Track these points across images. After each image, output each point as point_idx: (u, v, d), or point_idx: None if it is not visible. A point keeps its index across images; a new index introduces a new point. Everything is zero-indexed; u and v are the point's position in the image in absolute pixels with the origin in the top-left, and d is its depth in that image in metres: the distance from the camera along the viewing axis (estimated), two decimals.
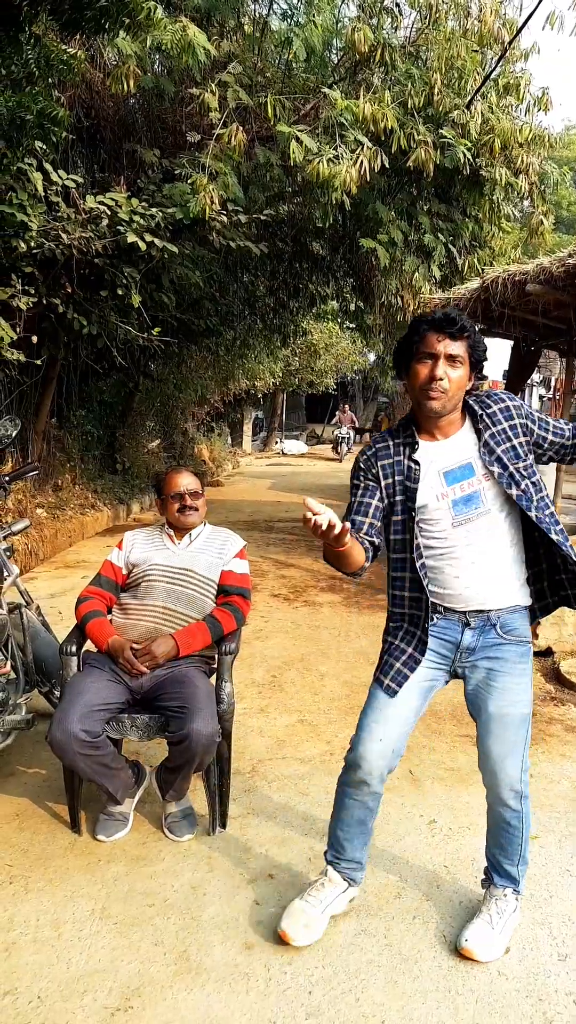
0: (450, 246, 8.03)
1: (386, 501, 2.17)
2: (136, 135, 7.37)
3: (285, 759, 3.42)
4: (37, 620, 3.49)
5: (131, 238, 6.05)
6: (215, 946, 2.20)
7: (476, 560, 2.12)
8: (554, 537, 2.12)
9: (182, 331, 9.50)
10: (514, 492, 2.09)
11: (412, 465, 2.12)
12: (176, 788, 2.71)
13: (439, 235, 7.84)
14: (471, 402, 2.16)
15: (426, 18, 7.17)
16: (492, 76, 7.07)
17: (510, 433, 2.13)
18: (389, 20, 7.00)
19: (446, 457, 2.12)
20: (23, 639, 3.19)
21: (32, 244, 5.88)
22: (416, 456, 2.12)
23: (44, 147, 5.65)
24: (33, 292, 6.26)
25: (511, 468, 2.10)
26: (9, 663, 3.04)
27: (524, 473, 2.12)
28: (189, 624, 2.86)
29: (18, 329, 6.09)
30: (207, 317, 9.84)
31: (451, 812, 3.00)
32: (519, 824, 2.26)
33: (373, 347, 18.62)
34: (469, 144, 6.89)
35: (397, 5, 7.00)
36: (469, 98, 6.99)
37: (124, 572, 3.03)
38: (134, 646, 2.75)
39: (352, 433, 23.54)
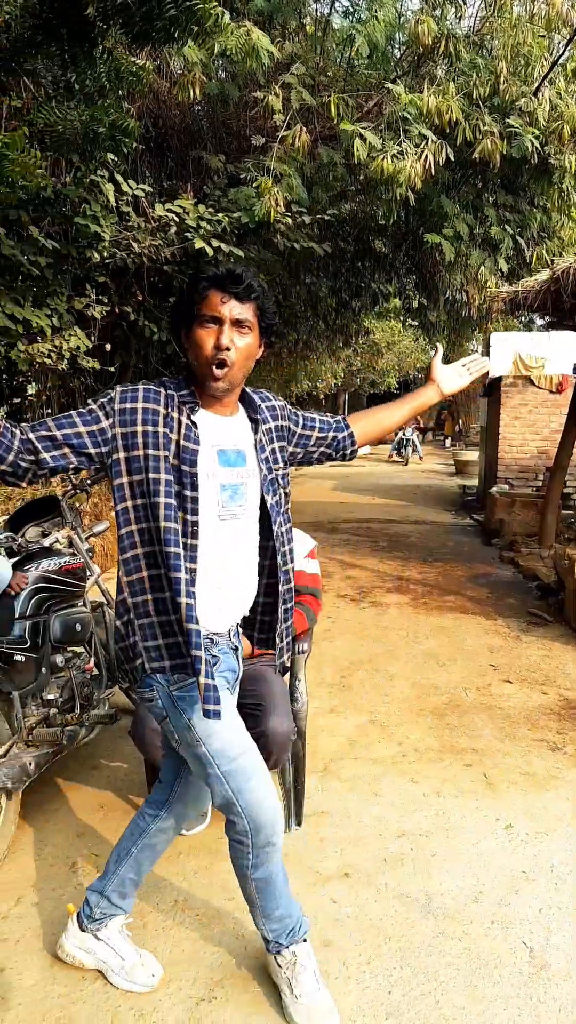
0: (517, 238, 7.88)
1: (121, 454, 1.73)
2: (202, 141, 7.48)
3: (357, 759, 3.43)
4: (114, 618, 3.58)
5: (198, 244, 6.15)
6: None
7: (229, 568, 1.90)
8: (280, 566, 1.97)
9: None
10: (270, 499, 1.91)
11: (191, 424, 1.76)
12: None
13: (506, 227, 7.71)
14: (247, 389, 1.92)
15: (491, 6, 7.07)
16: (560, 60, 6.91)
17: (275, 435, 1.95)
18: (453, 10, 6.93)
19: (223, 435, 1.83)
20: (105, 637, 3.28)
21: (105, 254, 6.03)
22: (195, 418, 1.79)
23: (115, 159, 5.78)
24: (106, 301, 6.41)
25: (274, 472, 1.93)
26: (93, 660, 3.14)
27: (281, 482, 1.97)
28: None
29: (93, 338, 6.25)
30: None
31: (528, 817, 2.96)
32: None
33: (436, 343, 18.46)
34: (537, 132, 6.75)
35: None
36: (536, 84, 6.85)
37: None
38: None
39: (418, 434, 22.32)
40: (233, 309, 1.73)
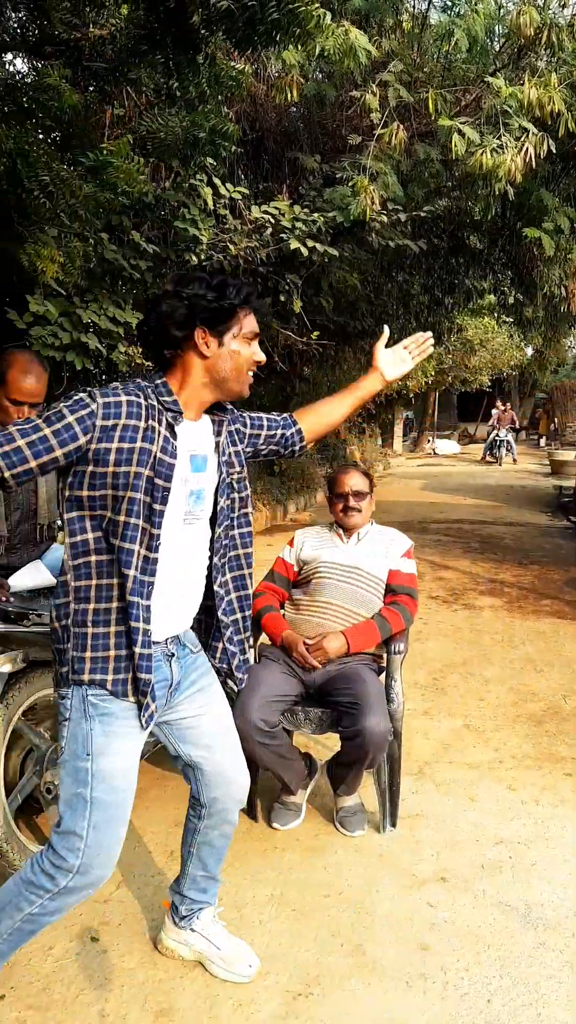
0: None
1: (96, 468, 1.65)
2: (297, 142, 7.51)
3: (452, 763, 3.39)
4: None
5: (294, 244, 6.18)
6: (390, 944, 2.22)
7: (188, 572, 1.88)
8: (224, 570, 1.95)
9: (338, 333, 9.59)
10: (223, 501, 1.89)
11: (170, 436, 1.72)
12: (348, 783, 2.75)
13: None
14: None
15: None
16: None
17: (235, 436, 1.94)
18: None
19: (195, 440, 1.82)
20: None
21: (202, 256, 6.14)
22: (178, 428, 1.75)
23: (214, 163, 5.88)
24: None
25: (231, 476, 1.91)
26: None
27: (236, 486, 1.93)
28: (358, 622, 2.89)
29: None
30: (362, 318, 9.87)
31: None
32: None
33: (532, 341, 17.98)
34: None
35: None
36: None
37: (295, 569, 3.11)
38: (307, 641, 2.82)
39: (512, 435, 20.99)
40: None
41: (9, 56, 6.12)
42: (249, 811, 2.88)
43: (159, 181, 6.51)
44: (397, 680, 2.82)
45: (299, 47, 4.25)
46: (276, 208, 6.33)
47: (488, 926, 2.31)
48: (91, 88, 6.45)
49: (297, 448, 2.09)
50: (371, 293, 9.38)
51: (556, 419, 25.38)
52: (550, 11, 6.59)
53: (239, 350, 1.76)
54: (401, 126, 6.08)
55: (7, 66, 6.41)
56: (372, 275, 8.80)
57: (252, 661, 2.78)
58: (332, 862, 2.61)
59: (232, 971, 2.09)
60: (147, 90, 6.06)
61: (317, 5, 3.68)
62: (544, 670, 4.60)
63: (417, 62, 7.05)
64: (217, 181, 6.26)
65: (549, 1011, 1.99)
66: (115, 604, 1.69)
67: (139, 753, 1.80)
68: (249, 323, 1.78)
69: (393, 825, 2.81)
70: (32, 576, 2.72)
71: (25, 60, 6.36)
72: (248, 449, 2.01)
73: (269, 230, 6.36)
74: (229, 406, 1.94)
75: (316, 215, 6.32)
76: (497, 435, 20.24)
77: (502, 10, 7.20)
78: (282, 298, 6.92)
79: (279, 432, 2.05)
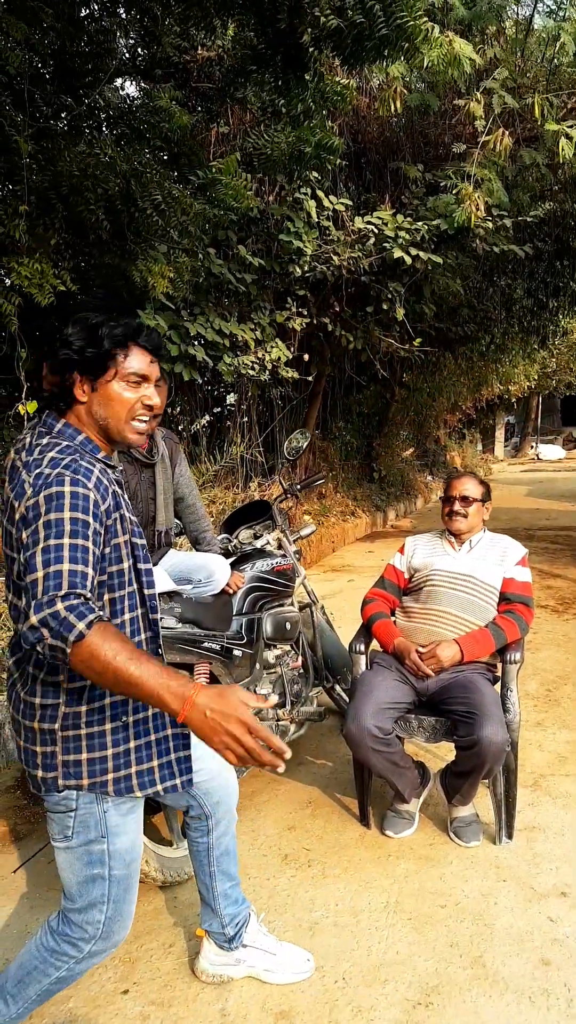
0: None
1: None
2: (399, 152, 7.54)
3: (569, 776, 3.31)
4: (323, 619, 3.69)
5: (397, 253, 6.21)
6: (511, 957, 2.19)
7: None
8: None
9: (439, 340, 9.52)
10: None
11: (119, 491, 1.62)
12: (463, 793, 2.73)
13: None
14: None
15: None
16: None
17: None
18: None
19: None
20: (312, 636, 3.40)
21: (306, 268, 6.24)
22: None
23: (317, 176, 5.97)
24: (305, 313, 6.62)
25: None
26: (300, 659, 3.26)
27: None
28: (471, 630, 2.87)
29: (292, 349, 6.48)
30: (464, 324, 9.78)
31: None
32: None
33: None
34: None
35: None
36: None
37: (406, 576, 3.12)
38: (420, 649, 2.83)
39: None
40: (155, 372, 1.65)
41: (119, 81, 6.41)
42: (362, 818, 2.91)
43: (263, 195, 6.66)
44: (513, 690, 2.79)
45: (407, 60, 4.27)
46: (379, 218, 6.37)
47: None
48: (199, 108, 6.68)
49: None
50: (473, 298, 9.28)
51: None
52: None
53: (119, 394, 1.59)
54: (506, 132, 6.01)
55: (120, 91, 6.72)
56: (474, 280, 8.71)
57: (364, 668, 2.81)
58: (448, 872, 2.60)
59: (297, 971, 2.11)
60: (253, 108, 6.22)
61: (425, 19, 3.70)
62: None
63: (521, 67, 6.96)
64: (320, 194, 6.35)
65: None
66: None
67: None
68: (133, 363, 1.59)
69: (510, 837, 2.78)
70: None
71: (136, 84, 6.64)
72: None
73: (372, 240, 6.41)
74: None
75: (419, 223, 6.33)
76: None
77: None
78: (385, 306, 6.95)
79: None
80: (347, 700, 3.38)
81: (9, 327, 4.43)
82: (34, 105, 4.57)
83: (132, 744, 1.62)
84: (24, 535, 1.44)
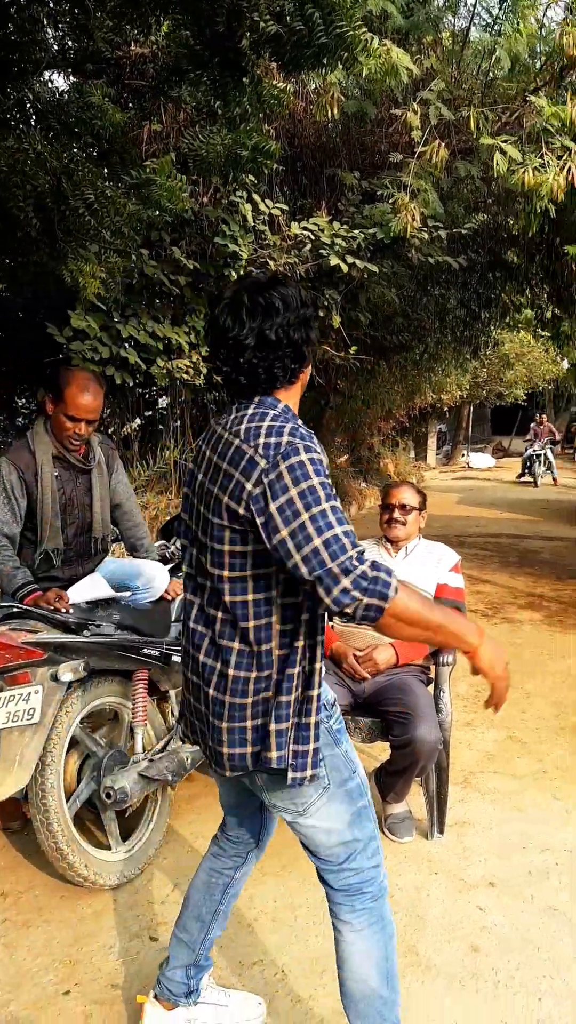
0: None
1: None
2: (336, 159, 7.61)
3: (497, 773, 3.41)
4: None
5: (333, 261, 6.27)
6: (443, 944, 2.25)
7: None
8: None
9: (374, 348, 9.65)
10: None
11: None
12: (397, 791, 2.79)
13: None
14: None
15: None
16: None
17: None
18: None
19: None
20: None
21: (241, 272, 6.24)
22: None
23: (254, 179, 5.99)
24: None
25: None
26: None
27: None
28: None
29: None
30: (398, 333, 9.93)
31: None
32: None
33: (568, 355, 17.86)
34: None
35: None
36: None
37: None
38: (356, 653, 2.87)
39: (551, 448, 18.00)
40: None
41: (47, 74, 6.30)
42: None
43: (197, 197, 6.64)
44: (445, 691, 2.86)
45: (346, 69, 4.34)
46: (315, 224, 6.43)
47: (537, 930, 2.33)
48: (131, 105, 6.61)
49: None
50: (408, 308, 9.43)
51: None
52: None
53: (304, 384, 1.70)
54: (442, 144, 6.15)
55: (48, 83, 6.60)
56: (409, 290, 8.86)
57: None
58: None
59: (251, 1016, 1.98)
60: (188, 107, 6.20)
61: (364, 29, 3.76)
62: None
63: (457, 79, 7.13)
64: (256, 197, 6.37)
65: None
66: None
67: None
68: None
69: (441, 832, 2.84)
70: (91, 588, 2.81)
71: (65, 77, 6.53)
72: None
73: (308, 246, 6.46)
74: None
75: (356, 231, 6.41)
76: (534, 449, 17.51)
77: (544, 29, 7.25)
78: (321, 313, 7.01)
79: None
80: None
81: None
82: None
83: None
84: (272, 507, 1.42)
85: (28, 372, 6.15)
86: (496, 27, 7.17)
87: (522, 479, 17.90)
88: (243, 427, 1.52)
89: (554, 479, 17.43)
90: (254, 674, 1.54)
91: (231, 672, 1.54)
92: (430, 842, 2.81)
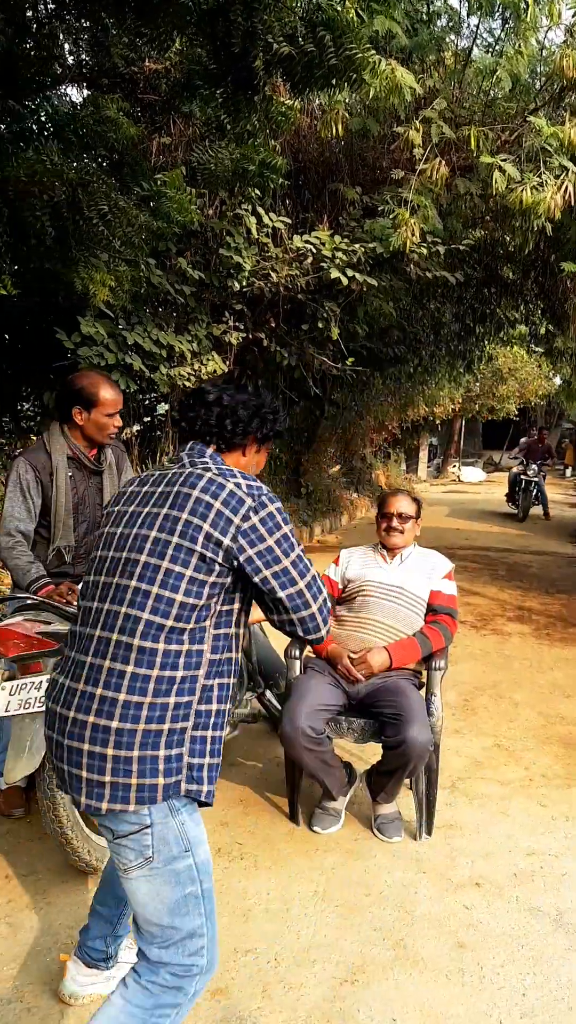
0: None
1: None
2: (338, 174, 7.74)
3: (484, 779, 3.50)
4: (256, 627, 3.79)
5: (334, 274, 6.39)
6: (430, 940, 2.34)
7: None
8: None
9: (370, 359, 9.77)
10: None
11: None
12: (387, 791, 2.88)
13: None
14: None
15: None
16: None
17: None
18: None
19: None
20: (247, 642, 3.49)
21: (244, 283, 6.36)
22: None
23: (259, 193, 6.11)
24: (242, 327, 6.74)
25: None
26: None
27: None
28: (400, 638, 3.03)
29: (228, 362, 6.59)
30: (394, 345, 10.07)
31: None
32: None
33: (560, 371, 18.07)
34: None
35: None
36: None
37: (340, 586, 3.26)
38: (351, 655, 2.96)
39: (543, 474, 14.29)
40: None
41: (62, 87, 6.42)
42: (291, 815, 3.02)
43: (204, 209, 6.75)
44: (437, 695, 2.95)
45: (354, 90, 4.46)
46: (317, 238, 6.55)
47: (521, 928, 2.42)
48: (142, 119, 6.73)
49: None
50: (404, 321, 9.56)
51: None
52: None
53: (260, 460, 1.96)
54: (443, 161, 6.28)
55: (64, 97, 6.72)
56: (406, 303, 8.98)
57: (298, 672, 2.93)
58: (372, 865, 2.73)
59: None
60: (198, 122, 6.32)
61: (373, 52, 3.89)
62: (572, 695, 4.69)
63: (459, 98, 7.27)
64: (261, 210, 6.49)
65: None
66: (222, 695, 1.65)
67: None
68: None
69: (429, 833, 2.93)
70: None
71: (79, 90, 6.65)
72: None
73: (309, 259, 6.58)
74: None
75: (356, 245, 6.54)
76: (523, 473, 13.92)
77: (544, 51, 7.41)
78: (320, 325, 7.13)
79: None
80: (277, 706, 3.49)
81: None
82: None
83: (217, 758, 1.63)
84: (253, 551, 1.59)
85: (32, 376, 6.22)
86: (498, 48, 7.31)
87: (510, 503, 14.82)
88: (209, 475, 1.65)
89: (546, 514, 14.25)
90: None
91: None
92: (418, 843, 2.90)
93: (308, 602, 1.63)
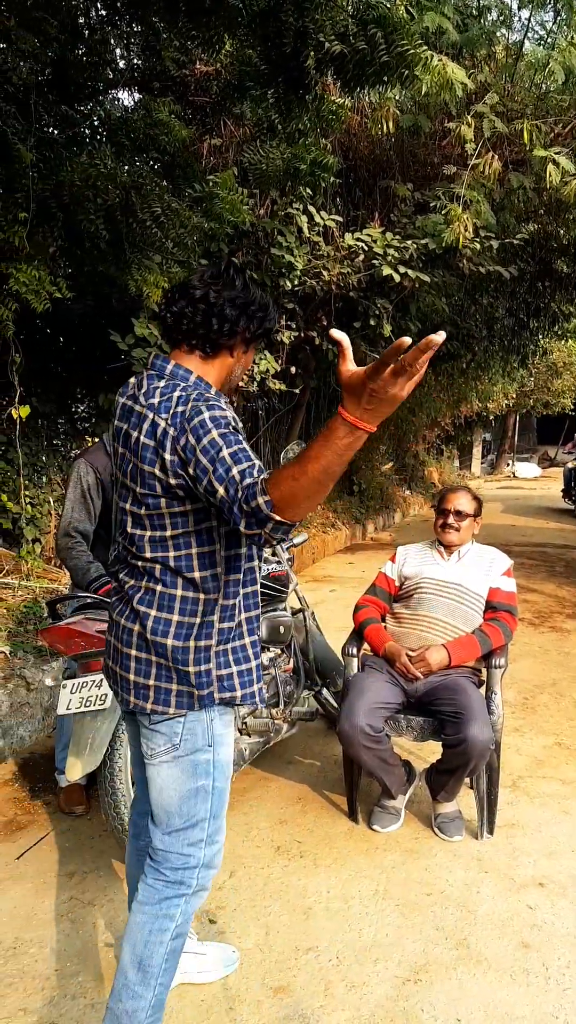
0: None
1: None
2: (390, 171, 7.71)
3: (545, 778, 3.45)
4: (313, 625, 3.80)
5: (386, 271, 6.37)
6: (493, 940, 2.32)
7: None
8: None
9: None
10: None
11: None
12: (448, 790, 2.86)
13: None
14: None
15: None
16: None
17: None
18: None
19: None
20: (304, 640, 3.51)
21: (296, 282, 6.37)
22: None
23: (310, 191, 6.12)
24: (294, 327, 6.76)
25: None
26: (292, 662, 3.37)
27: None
28: (459, 636, 3.00)
29: (280, 361, 6.61)
30: (447, 341, 9.97)
31: None
32: None
33: None
34: None
35: None
36: None
37: (397, 584, 3.25)
38: (409, 653, 2.95)
39: None
40: None
41: (114, 91, 6.52)
42: (350, 814, 3.02)
43: (255, 209, 6.79)
44: (497, 693, 2.92)
45: (406, 87, 4.44)
46: (368, 235, 6.53)
47: None
48: (193, 121, 6.81)
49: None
50: (457, 316, 9.47)
51: None
52: None
53: (248, 357, 1.85)
54: (495, 156, 6.21)
55: (116, 101, 6.83)
56: (458, 299, 8.90)
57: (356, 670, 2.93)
58: (432, 864, 2.72)
59: (228, 964, 2.16)
60: (248, 123, 6.36)
61: (424, 47, 3.86)
62: None
63: (510, 92, 7.17)
64: (312, 209, 6.50)
65: None
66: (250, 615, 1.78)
67: None
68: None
69: (491, 832, 2.90)
70: None
71: (131, 94, 6.76)
72: None
73: (361, 256, 6.56)
74: None
75: (408, 242, 6.50)
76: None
77: None
78: (372, 322, 7.11)
79: None
80: (334, 704, 3.50)
81: (5, 333, 4.50)
82: (35, 114, 4.67)
83: (253, 663, 1.75)
84: (190, 469, 1.52)
85: (87, 378, 6.34)
86: (550, 40, 7.19)
87: (567, 499, 14.88)
88: (156, 400, 1.63)
89: None
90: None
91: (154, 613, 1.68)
92: (480, 842, 2.87)
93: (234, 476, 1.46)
